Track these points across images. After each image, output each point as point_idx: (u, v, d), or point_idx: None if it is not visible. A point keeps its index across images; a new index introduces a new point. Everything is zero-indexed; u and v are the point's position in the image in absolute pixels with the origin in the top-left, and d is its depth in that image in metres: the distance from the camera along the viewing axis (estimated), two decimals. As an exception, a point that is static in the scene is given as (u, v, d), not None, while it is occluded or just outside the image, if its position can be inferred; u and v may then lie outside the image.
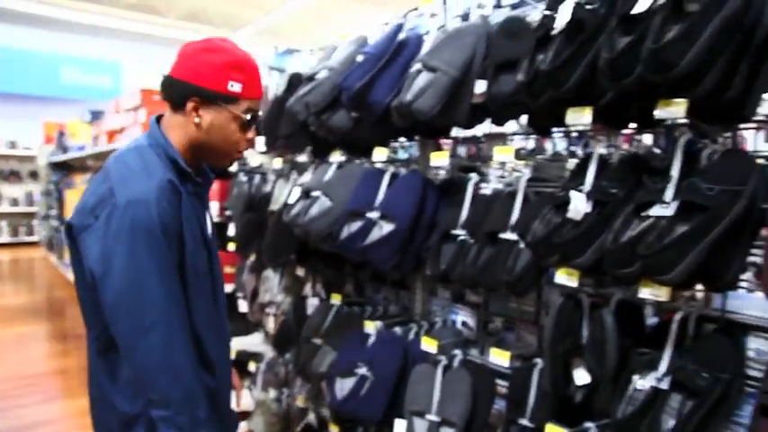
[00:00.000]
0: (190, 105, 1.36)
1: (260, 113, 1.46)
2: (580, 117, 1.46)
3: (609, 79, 1.34)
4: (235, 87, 1.36)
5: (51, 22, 10.73)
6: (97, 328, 1.34)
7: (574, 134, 2.93)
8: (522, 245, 1.68)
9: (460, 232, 1.89)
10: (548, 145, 3.60)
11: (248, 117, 1.39)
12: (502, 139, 2.89)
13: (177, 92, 1.37)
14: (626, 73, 1.31)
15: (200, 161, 1.46)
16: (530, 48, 1.57)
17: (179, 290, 1.31)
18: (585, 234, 1.42)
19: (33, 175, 11.49)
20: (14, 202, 11.34)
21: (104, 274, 1.22)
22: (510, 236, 1.70)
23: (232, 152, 1.43)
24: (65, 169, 9.44)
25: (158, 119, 1.45)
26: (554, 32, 1.50)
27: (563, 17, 1.52)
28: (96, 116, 6.79)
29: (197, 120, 1.37)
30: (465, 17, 2.29)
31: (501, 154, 1.70)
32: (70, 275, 7.73)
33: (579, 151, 3.67)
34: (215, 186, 3.28)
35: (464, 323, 2.38)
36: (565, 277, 1.52)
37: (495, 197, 1.89)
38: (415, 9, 2.58)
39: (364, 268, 2.59)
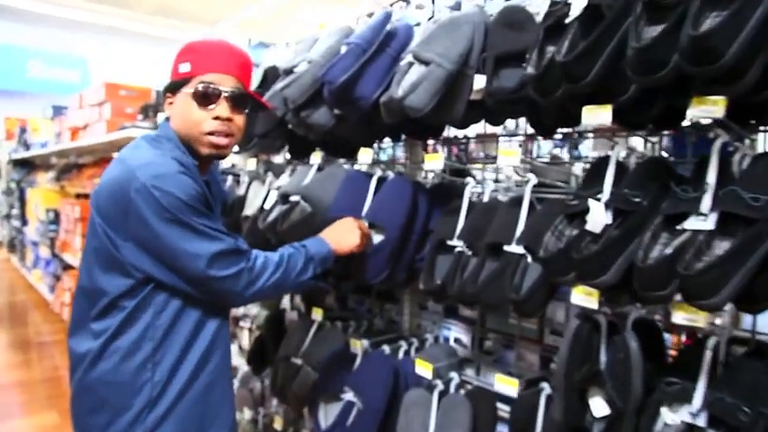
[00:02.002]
0: (166, 102, 1.53)
1: (226, 89, 1.47)
2: (597, 116, 1.28)
3: (638, 72, 1.16)
4: (184, 68, 1.47)
5: (17, 13, 10.31)
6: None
7: (558, 136, 2.78)
8: (529, 259, 1.50)
9: (457, 243, 1.70)
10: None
11: (200, 88, 1.44)
12: (487, 139, 2.72)
13: (164, 90, 1.56)
14: (658, 65, 1.13)
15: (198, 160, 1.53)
16: (538, 38, 1.39)
17: None
18: (608, 249, 1.24)
19: (-6, 171, 11.04)
20: (-25, 201, 10.88)
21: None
22: (516, 249, 1.51)
23: (198, 135, 1.47)
24: (27, 167, 9.07)
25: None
26: (568, 21, 1.32)
27: (579, 4, 1.34)
28: (59, 111, 6.46)
29: (168, 111, 1.53)
30: (457, 7, 2.10)
31: (507, 156, 1.51)
32: (33, 278, 7.37)
33: (564, 154, 3.52)
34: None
35: (457, 340, 2.20)
36: (582, 297, 1.34)
37: (495, 205, 1.71)
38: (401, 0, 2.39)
39: (347, 279, 2.39)
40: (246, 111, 1.56)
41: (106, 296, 1.44)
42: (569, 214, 1.42)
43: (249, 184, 2.68)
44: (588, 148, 3.74)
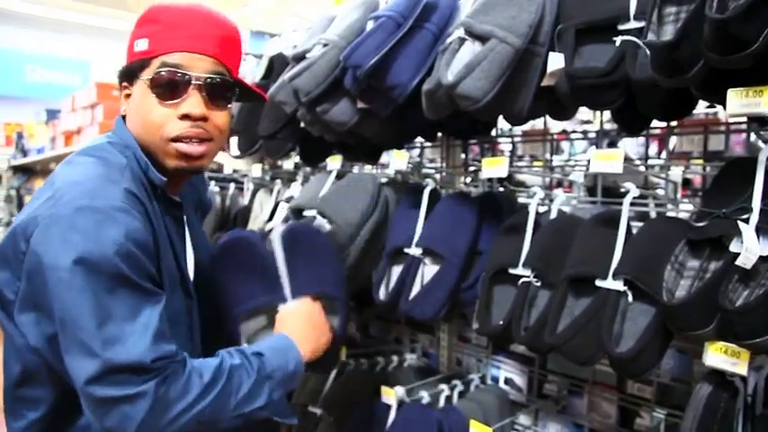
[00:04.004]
0: (122, 94, 1.12)
1: (199, 74, 1.04)
2: (755, 102, 0.89)
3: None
4: (140, 45, 1.05)
5: (14, 16, 10.03)
6: None
7: (592, 134, 2.39)
8: (630, 298, 1.11)
9: (523, 272, 1.31)
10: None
11: (161, 75, 1.02)
12: (535, 136, 2.33)
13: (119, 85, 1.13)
14: None
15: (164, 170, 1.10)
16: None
17: None
18: (775, 296, 0.85)
19: (-5, 179, 10.78)
20: (-24, 209, 10.62)
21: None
22: (612, 284, 1.12)
23: (160, 141, 1.04)
24: (27, 174, 8.79)
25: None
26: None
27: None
28: (53, 115, 6.11)
29: (123, 108, 1.12)
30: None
31: (604, 161, 1.11)
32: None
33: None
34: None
35: (509, 381, 1.82)
36: (723, 359, 0.95)
37: (571, 223, 1.32)
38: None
39: (370, 305, 2.01)
40: (230, 105, 1.12)
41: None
42: (693, 240, 1.03)
43: (254, 193, 2.30)
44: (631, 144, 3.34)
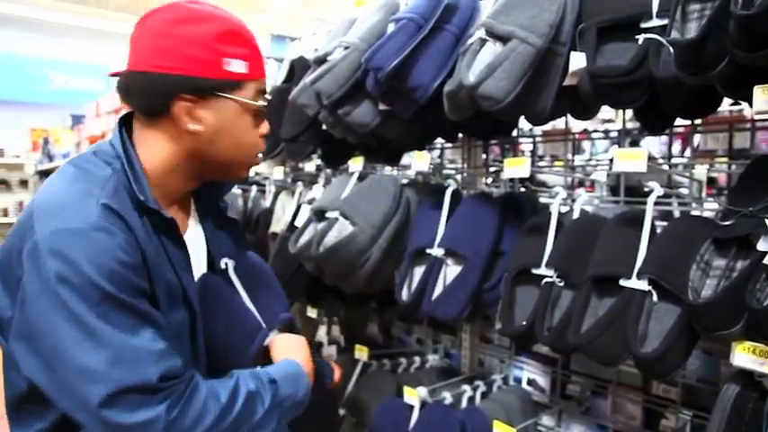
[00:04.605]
0: (179, 107, 0.97)
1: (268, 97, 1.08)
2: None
3: None
4: (235, 66, 0.99)
5: (38, 24, 10.21)
6: None
7: (613, 134, 2.36)
8: (654, 297, 1.10)
9: (546, 272, 1.30)
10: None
11: (262, 104, 1.04)
12: (556, 136, 2.32)
13: (152, 92, 0.97)
14: None
15: (185, 186, 1.07)
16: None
17: None
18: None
19: (24, 183, 10.96)
20: (4, 213, 10.79)
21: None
22: (637, 284, 1.11)
23: (251, 157, 1.09)
24: (53, 179, 8.95)
25: (126, 122, 1.04)
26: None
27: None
28: (77, 121, 6.22)
29: (193, 126, 0.99)
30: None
31: (627, 160, 1.10)
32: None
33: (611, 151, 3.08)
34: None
35: (531, 381, 1.81)
36: (751, 359, 0.94)
37: (595, 222, 1.32)
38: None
39: (392, 306, 2.02)
40: None
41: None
42: (719, 239, 1.02)
43: (276, 195, 2.32)
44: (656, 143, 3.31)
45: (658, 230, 1.20)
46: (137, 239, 0.91)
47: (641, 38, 1.13)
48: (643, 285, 1.10)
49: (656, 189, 1.16)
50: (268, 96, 1.06)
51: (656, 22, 1.13)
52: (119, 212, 0.89)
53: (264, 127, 1.07)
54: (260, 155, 1.12)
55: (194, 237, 1.13)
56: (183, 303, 1.01)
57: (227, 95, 0.99)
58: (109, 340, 0.83)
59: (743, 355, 0.95)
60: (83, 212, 0.87)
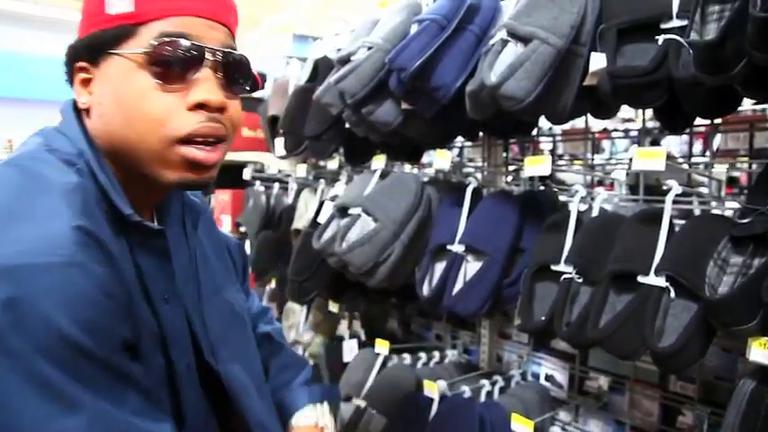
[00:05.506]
0: (76, 82, 0.76)
1: (216, 48, 0.74)
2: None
3: None
4: (118, 6, 0.71)
5: (64, 24, 10.40)
6: None
7: (633, 133, 2.37)
8: (672, 294, 1.12)
9: (565, 269, 1.33)
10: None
11: (164, 47, 0.70)
12: (576, 135, 2.34)
13: (66, 67, 0.78)
14: None
15: (147, 194, 0.81)
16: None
17: None
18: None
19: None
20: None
21: None
22: (655, 280, 1.13)
23: (158, 144, 0.71)
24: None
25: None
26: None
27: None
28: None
29: (85, 99, 0.76)
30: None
31: (646, 159, 1.13)
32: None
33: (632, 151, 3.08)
34: (226, 197, 2.77)
35: (549, 377, 1.83)
36: (766, 354, 0.96)
37: (614, 220, 1.34)
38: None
39: (412, 301, 2.05)
40: (246, 92, 0.82)
41: None
42: (737, 237, 1.04)
43: (298, 192, 2.37)
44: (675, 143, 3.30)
45: (677, 229, 1.22)
46: (120, 269, 0.69)
47: (661, 38, 1.15)
48: (661, 282, 1.12)
49: (675, 187, 1.18)
50: (201, 44, 0.73)
51: (675, 23, 1.15)
52: (97, 237, 0.66)
53: (200, 93, 0.72)
54: (191, 146, 0.72)
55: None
56: (160, 348, 0.78)
57: (113, 51, 0.72)
58: (86, 410, 0.62)
59: (759, 351, 0.97)
60: (48, 240, 0.63)
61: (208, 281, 0.91)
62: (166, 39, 0.71)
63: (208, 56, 0.73)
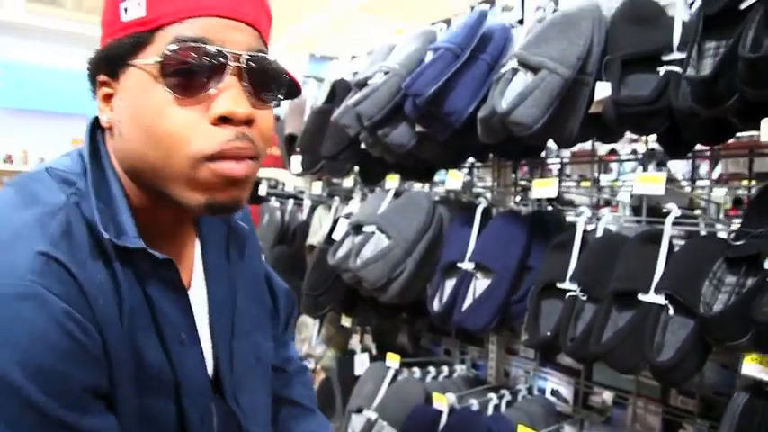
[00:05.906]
0: (99, 95, 0.69)
1: (239, 52, 0.64)
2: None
3: None
4: (131, 11, 0.63)
5: (82, 38, 10.57)
6: None
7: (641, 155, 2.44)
8: (671, 311, 1.19)
9: (570, 286, 1.40)
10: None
11: (177, 52, 0.62)
12: (582, 158, 2.41)
13: (90, 82, 0.71)
14: None
15: (167, 216, 0.73)
16: (697, 31, 1.09)
17: None
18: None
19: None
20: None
21: None
22: (654, 298, 1.20)
23: (180, 164, 0.63)
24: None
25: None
26: (744, 5, 1.01)
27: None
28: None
29: (107, 116, 0.68)
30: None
31: (647, 184, 1.20)
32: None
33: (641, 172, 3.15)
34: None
35: (555, 392, 1.89)
36: (758, 368, 1.02)
37: (617, 240, 1.40)
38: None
39: (422, 316, 2.12)
40: (279, 101, 0.72)
41: None
42: (732, 258, 1.10)
43: (312, 209, 2.45)
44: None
45: (676, 249, 1.28)
46: (97, 304, 0.61)
47: (662, 70, 1.23)
48: (660, 300, 1.19)
49: (674, 210, 1.25)
50: (222, 50, 0.63)
51: (676, 56, 1.22)
52: (64, 264, 0.59)
53: (222, 104, 0.63)
54: (221, 162, 0.63)
55: (200, 297, 0.79)
56: (173, 394, 0.70)
57: (129, 62, 0.64)
58: None
59: (751, 365, 1.03)
60: (6, 267, 0.56)
61: (242, 318, 0.83)
62: (181, 45, 0.62)
63: (231, 62, 0.63)
